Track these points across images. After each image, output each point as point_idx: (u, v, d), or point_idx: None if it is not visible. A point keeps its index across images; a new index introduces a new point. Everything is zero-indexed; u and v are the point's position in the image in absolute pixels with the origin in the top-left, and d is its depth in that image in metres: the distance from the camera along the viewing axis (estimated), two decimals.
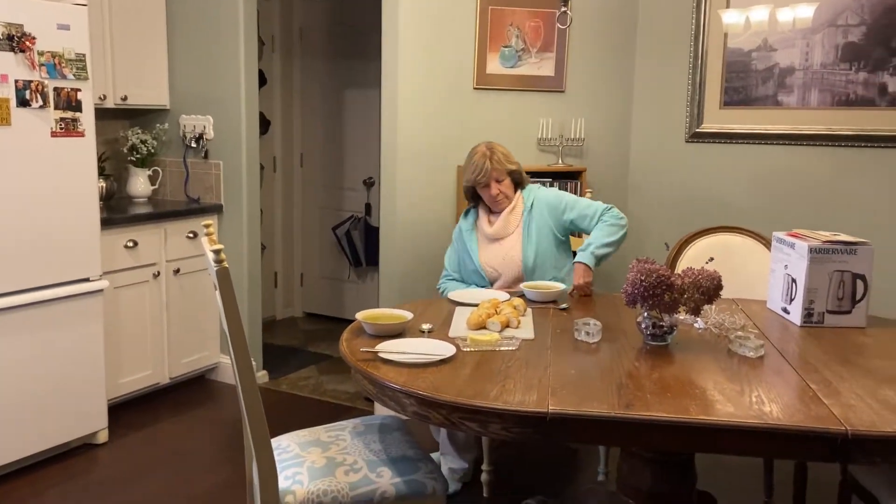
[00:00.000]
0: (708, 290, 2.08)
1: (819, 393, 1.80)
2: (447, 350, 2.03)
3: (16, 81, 2.88)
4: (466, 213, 3.12)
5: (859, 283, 2.39)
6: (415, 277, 3.69)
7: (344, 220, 5.25)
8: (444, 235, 3.73)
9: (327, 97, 5.29)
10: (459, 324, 2.35)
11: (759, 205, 3.61)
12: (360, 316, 2.28)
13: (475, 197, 3.05)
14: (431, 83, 3.63)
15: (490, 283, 2.99)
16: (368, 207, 5.19)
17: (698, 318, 2.30)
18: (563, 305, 2.60)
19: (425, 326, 2.27)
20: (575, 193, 3.60)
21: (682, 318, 2.25)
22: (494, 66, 3.67)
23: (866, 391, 1.81)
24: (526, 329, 2.31)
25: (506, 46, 3.67)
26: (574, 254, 2.95)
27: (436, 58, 3.62)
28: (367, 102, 5.05)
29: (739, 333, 2.19)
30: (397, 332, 2.21)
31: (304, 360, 4.57)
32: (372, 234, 4.99)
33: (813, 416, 1.66)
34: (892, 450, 1.60)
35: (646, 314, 2.16)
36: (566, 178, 3.66)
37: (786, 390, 1.83)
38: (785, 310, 2.51)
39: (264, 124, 5.12)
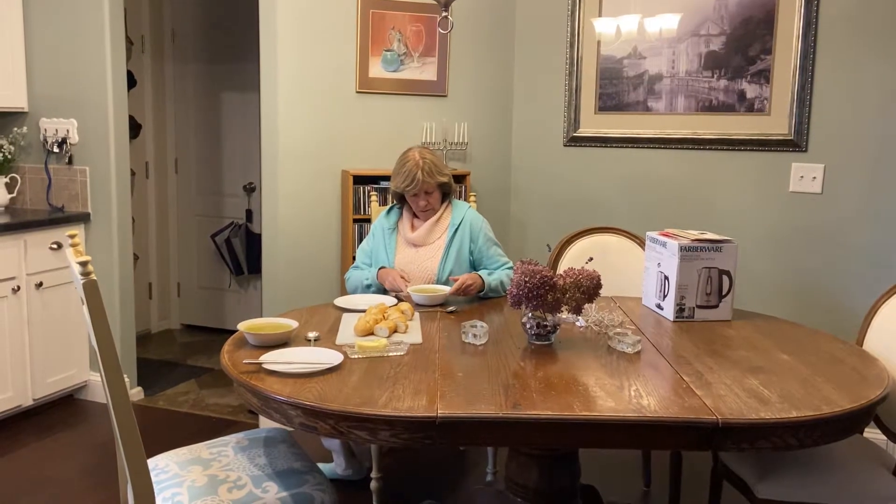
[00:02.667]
0: (588, 289, 2.15)
1: (692, 385, 1.89)
2: (334, 358, 1.99)
3: None
4: (389, 210, 3.06)
5: (725, 279, 2.53)
6: (299, 284, 3.61)
7: (224, 227, 5.07)
8: (329, 240, 3.67)
9: (203, 100, 5.10)
10: (347, 331, 2.31)
11: (633, 205, 3.77)
12: (242, 326, 2.20)
13: (402, 199, 3.00)
14: (313, 87, 3.57)
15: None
16: (249, 213, 5.04)
17: (579, 317, 2.37)
18: (451, 309, 2.62)
19: (311, 335, 2.22)
20: (460, 198, 3.64)
21: (564, 317, 2.31)
22: (377, 69, 3.65)
23: (734, 381, 1.92)
24: (414, 334, 2.30)
25: (388, 50, 3.66)
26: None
27: (317, 61, 3.56)
28: (246, 106, 4.90)
29: (618, 330, 2.27)
30: (282, 342, 2.15)
31: (182, 375, 4.37)
32: (254, 241, 4.85)
33: (687, 408, 1.74)
34: (758, 436, 1.70)
35: (530, 314, 2.20)
36: None
37: (661, 383, 1.91)
38: (659, 306, 2.62)
39: (134, 128, 4.87)
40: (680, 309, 2.52)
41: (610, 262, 2.97)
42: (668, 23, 3.61)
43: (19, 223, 3.50)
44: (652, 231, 2.72)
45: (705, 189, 3.63)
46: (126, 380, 1.77)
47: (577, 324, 2.42)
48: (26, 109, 3.85)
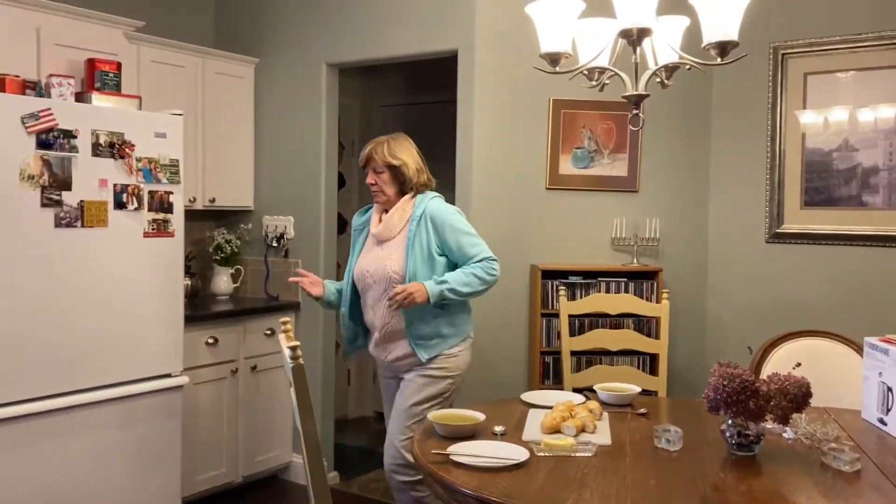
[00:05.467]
0: (796, 397, 1.98)
1: None
2: (520, 454, 1.98)
3: (114, 185, 3.07)
4: (365, 209, 3.01)
5: None
6: (487, 377, 3.64)
7: None
8: (517, 334, 3.69)
9: None
10: (533, 427, 2.29)
11: (846, 308, 3.45)
12: (431, 416, 2.26)
13: None
14: (504, 184, 3.69)
15: (360, 294, 2.87)
16: None
17: (787, 428, 2.18)
18: (642, 410, 2.51)
19: (498, 429, 2.22)
20: (651, 296, 3.54)
21: (769, 426, 2.13)
22: (567, 166, 3.72)
23: None
24: (602, 434, 2.23)
25: (578, 148, 3.72)
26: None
27: (508, 160, 3.69)
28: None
29: (833, 445, 2.06)
30: (469, 434, 2.17)
31: (375, 462, 4.50)
32: None
33: None
34: None
35: (730, 422, 2.06)
36: (642, 278, 3.61)
37: None
38: (881, 420, 2.35)
39: (342, 225, 5.27)
40: None
41: (822, 368, 2.72)
42: (883, 113, 3.37)
43: (241, 310, 3.87)
44: (871, 337, 2.47)
45: None
46: (325, 463, 1.87)
47: (785, 435, 2.22)
48: (252, 208, 4.32)
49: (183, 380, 3.35)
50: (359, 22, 3.93)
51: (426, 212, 2.77)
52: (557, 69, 2.21)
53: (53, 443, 2.91)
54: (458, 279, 2.68)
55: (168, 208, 3.26)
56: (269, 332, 3.98)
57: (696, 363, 3.79)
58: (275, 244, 4.22)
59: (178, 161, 3.29)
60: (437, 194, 2.87)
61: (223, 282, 4.20)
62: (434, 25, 3.72)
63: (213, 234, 4.22)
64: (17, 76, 2.98)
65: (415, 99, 5.35)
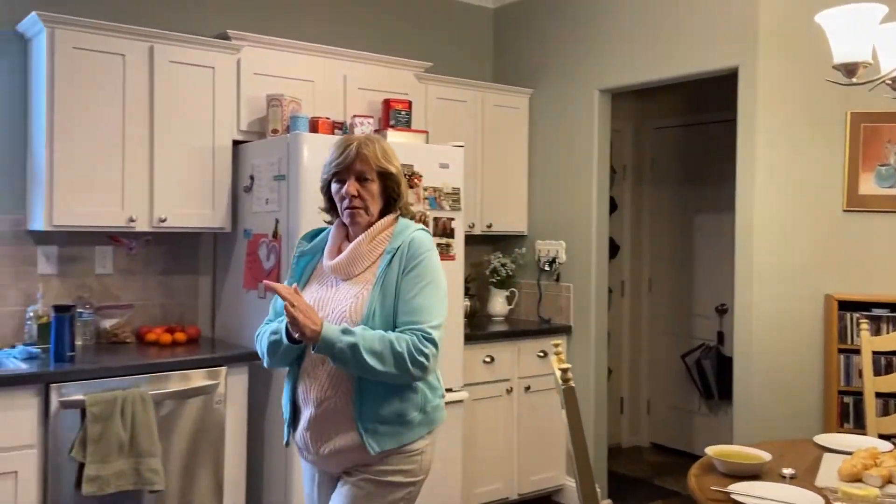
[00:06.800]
0: None
1: None
2: (813, 500, 1.82)
3: None
4: (317, 232, 2.18)
5: None
6: (774, 415, 3.37)
7: (694, 347, 5.04)
8: (810, 370, 3.38)
9: (676, 222, 5.26)
10: (829, 473, 2.09)
11: None
12: (710, 451, 2.16)
13: (333, 207, 2.10)
14: (792, 206, 3.41)
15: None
16: (721, 336, 4.93)
17: None
18: None
19: (787, 471, 2.06)
20: None
21: None
22: (868, 186, 3.34)
23: None
24: None
25: (883, 165, 3.33)
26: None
27: (796, 180, 3.41)
28: (719, 227, 4.89)
29: None
30: (753, 474, 2.05)
31: (650, 494, 4.38)
32: (725, 365, 4.70)
33: None
34: None
35: None
36: None
37: None
38: None
39: (613, 249, 5.23)
40: None
41: None
42: None
43: (515, 331, 4.02)
44: None
45: None
46: (597, 489, 1.87)
47: None
48: (525, 233, 4.47)
49: (463, 395, 3.55)
50: (630, 46, 3.91)
51: (406, 243, 2.00)
52: (854, 80, 2.01)
53: None
54: (371, 343, 1.85)
55: (450, 233, 3.50)
56: (541, 353, 4.07)
57: None
58: (547, 268, 4.31)
59: (459, 189, 3.52)
60: (422, 226, 2.10)
61: (499, 303, 4.38)
62: (711, 43, 3.58)
63: (489, 257, 4.44)
64: (328, 118, 3.41)
65: (690, 119, 5.18)
